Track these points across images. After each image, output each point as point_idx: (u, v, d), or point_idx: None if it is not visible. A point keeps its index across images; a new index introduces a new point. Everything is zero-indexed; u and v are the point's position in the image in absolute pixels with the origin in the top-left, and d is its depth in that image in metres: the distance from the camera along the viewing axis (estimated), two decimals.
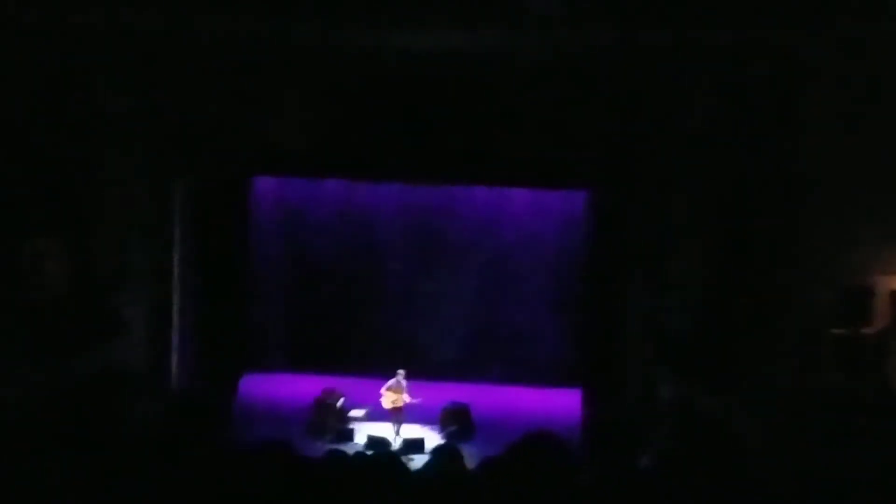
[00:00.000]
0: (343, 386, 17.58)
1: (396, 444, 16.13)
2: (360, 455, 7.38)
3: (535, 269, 20.18)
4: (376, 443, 15.77)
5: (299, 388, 18.36)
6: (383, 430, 16.51)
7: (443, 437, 16.24)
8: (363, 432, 16.37)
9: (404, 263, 20.37)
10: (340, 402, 17.03)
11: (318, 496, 6.02)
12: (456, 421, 16.81)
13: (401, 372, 16.71)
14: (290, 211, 20.30)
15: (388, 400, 16.56)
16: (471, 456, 7.62)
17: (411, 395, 16.56)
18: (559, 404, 18.07)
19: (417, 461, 14.02)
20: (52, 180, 14.97)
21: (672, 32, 13.59)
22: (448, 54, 15.15)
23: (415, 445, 15.70)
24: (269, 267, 20.28)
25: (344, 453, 6.89)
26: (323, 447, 13.92)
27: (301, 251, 20.43)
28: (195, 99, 15.87)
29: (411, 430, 16.55)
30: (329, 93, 16.06)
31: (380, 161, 16.74)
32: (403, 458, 11.87)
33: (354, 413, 17.04)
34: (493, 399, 18.51)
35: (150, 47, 15.06)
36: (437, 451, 7.60)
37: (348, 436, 16.30)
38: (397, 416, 16.59)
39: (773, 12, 12.86)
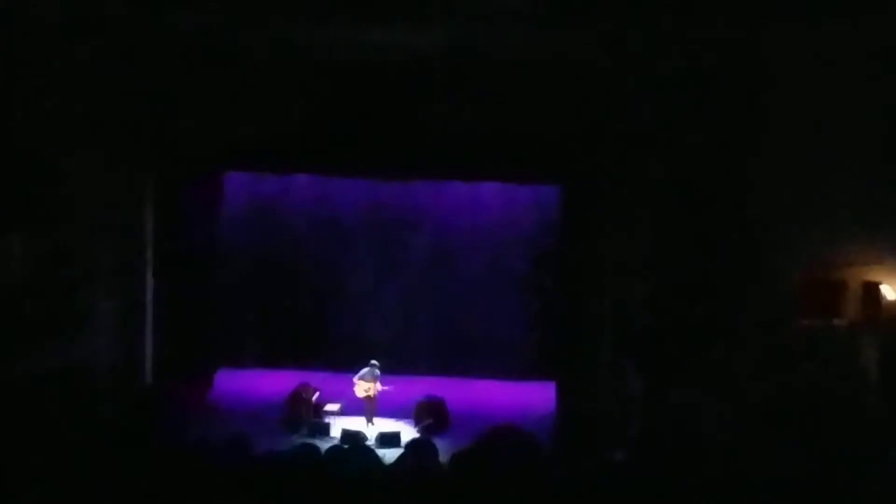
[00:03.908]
0: (317, 381, 17.58)
1: (369, 432, 16.16)
2: (334, 448, 7.38)
3: (507, 264, 20.20)
4: (351, 437, 15.77)
5: (273, 383, 18.33)
6: (358, 423, 16.54)
7: (418, 431, 16.26)
8: (338, 426, 16.37)
9: (377, 258, 20.35)
10: (315, 396, 17.06)
11: (292, 489, 6.03)
12: (431, 414, 16.84)
13: (374, 362, 16.80)
14: (261, 206, 20.22)
15: (360, 389, 16.66)
16: (445, 449, 7.65)
17: (384, 384, 16.66)
18: (533, 398, 18.13)
19: (392, 455, 14.03)
20: (21, 174, 14.86)
21: (642, 30, 13.66)
22: (419, 50, 15.16)
23: (391, 439, 15.69)
24: (241, 262, 20.19)
25: (316, 447, 6.89)
26: (297, 441, 13.98)
27: (272, 246, 20.36)
28: (166, 93, 15.79)
29: (386, 424, 16.58)
30: (300, 88, 16.02)
31: (350, 157, 16.73)
32: (378, 452, 11.89)
33: (329, 407, 17.07)
34: (467, 393, 18.53)
35: (120, 40, 14.98)
36: (411, 446, 7.64)
37: (323, 430, 16.29)
38: (370, 405, 16.69)
39: (739, 10, 12.95)
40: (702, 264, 14.87)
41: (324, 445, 10.81)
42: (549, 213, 18.69)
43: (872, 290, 13.65)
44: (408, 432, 16.11)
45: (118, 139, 15.83)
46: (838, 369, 13.59)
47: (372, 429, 16.45)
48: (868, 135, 13.58)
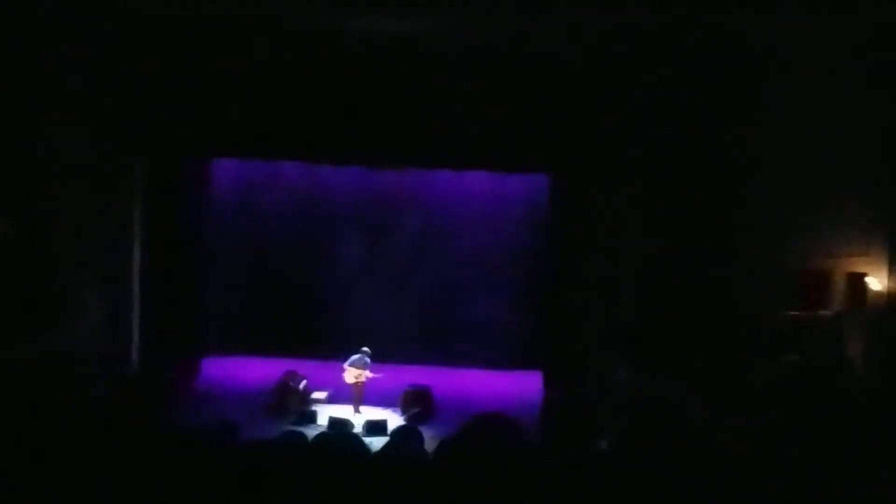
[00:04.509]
0: (304, 369, 17.59)
1: (356, 420, 16.18)
2: (321, 436, 7.39)
3: (495, 253, 20.21)
4: (338, 424, 15.79)
5: (260, 370, 18.33)
6: (345, 412, 16.56)
7: (404, 419, 16.28)
8: (325, 414, 16.39)
9: (365, 246, 20.35)
10: (302, 384, 17.06)
11: (277, 477, 6.03)
12: (417, 403, 16.88)
13: (366, 349, 16.84)
14: (249, 193, 20.19)
15: (351, 375, 16.68)
16: (431, 437, 7.67)
17: (374, 371, 16.70)
18: (519, 387, 18.17)
19: (379, 443, 14.06)
20: (6, 159, 14.79)
21: (629, 17, 13.65)
22: (407, 37, 15.15)
23: (378, 427, 15.72)
24: (229, 249, 20.16)
25: (302, 434, 6.90)
26: (284, 429, 13.98)
27: (260, 233, 20.34)
28: (154, 79, 15.75)
29: (373, 412, 16.60)
30: (288, 75, 16.00)
31: (339, 144, 16.72)
32: (365, 440, 11.91)
33: (316, 395, 17.08)
34: (454, 382, 18.57)
35: (107, 24, 14.93)
36: (397, 433, 7.65)
37: (310, 418, 16.30)
38: (357, 393, 16.74)
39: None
40: (689, 255, 14.91)
41: (310, 433, 10.84)
42: (538, 202, 18.72)
43: (858, 281, 13.71)
44: (394, 420, 16.13)
45: (106, 125, 15.79)
46: (824, 360, 13.64)
47: (359, 417, 16.47)
48: (856, 128, 13.61)
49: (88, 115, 15.54)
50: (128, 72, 15.62)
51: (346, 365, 16.76)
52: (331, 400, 17.10)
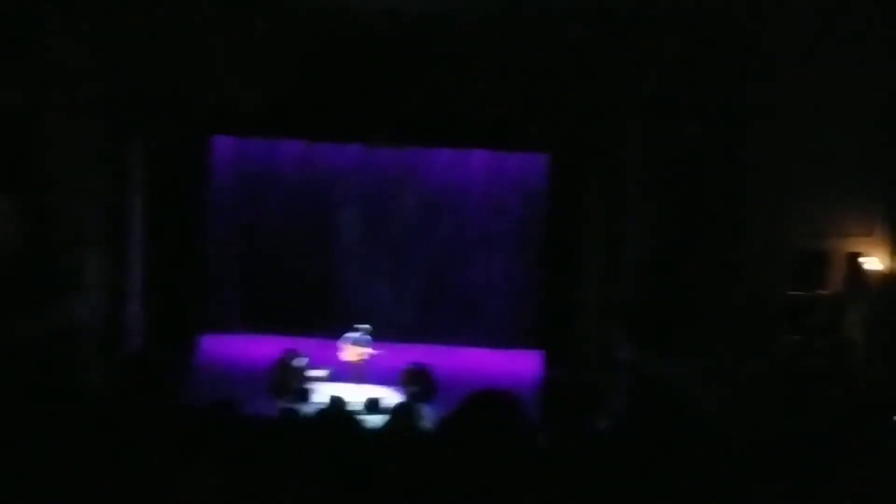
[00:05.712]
0: (304, 347, 17.59)
1: (356, 399, 16.19)
2: (319, 413, 7.37)
3: (495, 232, 20.20)
4: (337, 403, 15.77)
5: (260, 348, 18.34)
6: (344, 390, 16.55)
7: (404, 398, 16.28)
8: (324, 392, 16.38)
9: (365, 225, 20.33)
10: (302, 362, 17.06)
11: (276, 455, 6.02)
12: (417, 382, 16.88)
13: (367, 326, 16.86)
14: (249, 171, 20.16)
15: (353, 353, 16.71)
16: (431, 416, 7.67)
17: (373, 349, 16.74)
18: (520, 366, 18.18)
19: (378, 420, 14.06)
20: (6, 138, 14.75)
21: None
22: (409, 15, 15.07)
23: (377, 405, 15.72)
24: (229, 226, 20.14)
25: (301, 413, 6.90)
26: (283, 407, 13.98)
27: (260, 211, 20.33)
28: (153, 57, 15.68)
29: (373, 391, 16.61)
30: (288, 52, 15.93)
31: (339, 122, 16.68)
32: (364, 418, 11.90)
33: (316, 373, 17.08)
34: (454, 360, 18.56)
35: (107, 2, 14.86)
36: (395, 410, 7.65)
37: (310, 396, 16.31)
38: (357, 371, 16.77)
39: None
40: (689, 234, 14.89)
41: (309, 411, 10.83)
42: (538, 181, 18.69)
43: (858, 261, 13.70)
44: (394, 399, 16.13)
45: (107, 103, 15.74)
46: (825, 340, 13.64)
47: (358, 395, 16.47)
48: (857, 108, 13.56)
49: (88, 94, 15.48)
50: (127, 50, 15.55)
51: (346, 343, 16.76)
52: (331, 378, 17.11)
